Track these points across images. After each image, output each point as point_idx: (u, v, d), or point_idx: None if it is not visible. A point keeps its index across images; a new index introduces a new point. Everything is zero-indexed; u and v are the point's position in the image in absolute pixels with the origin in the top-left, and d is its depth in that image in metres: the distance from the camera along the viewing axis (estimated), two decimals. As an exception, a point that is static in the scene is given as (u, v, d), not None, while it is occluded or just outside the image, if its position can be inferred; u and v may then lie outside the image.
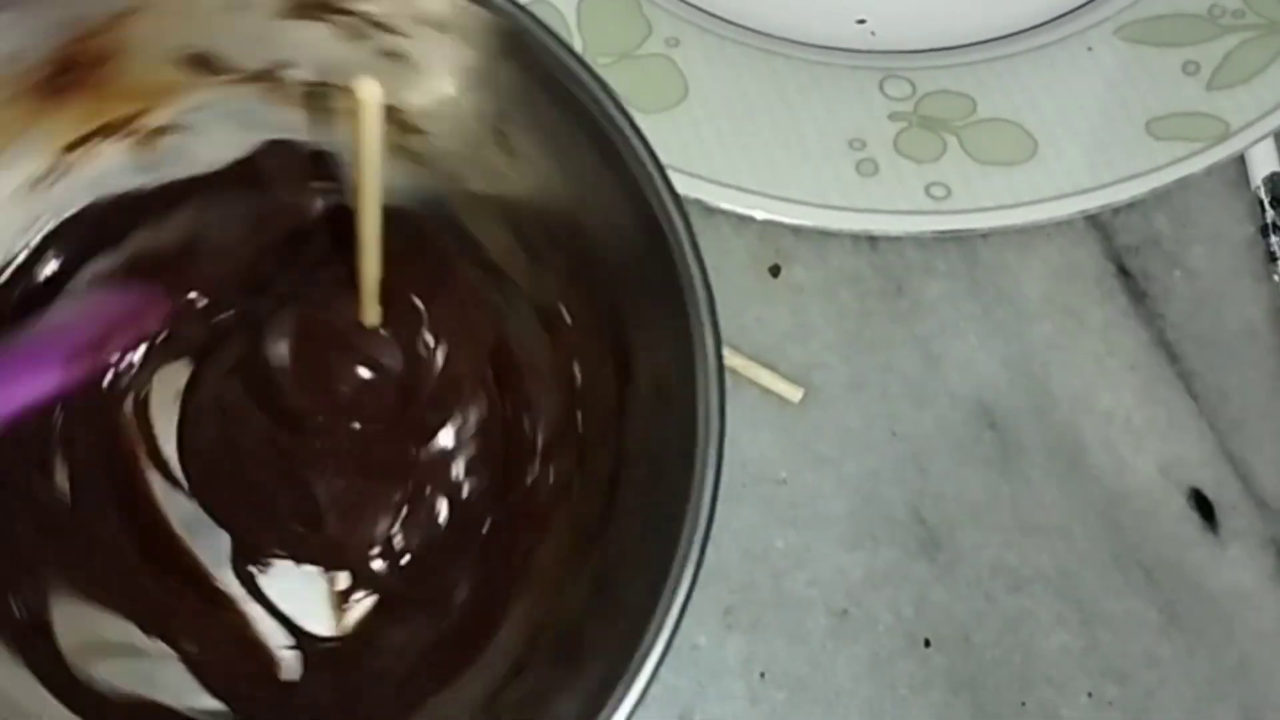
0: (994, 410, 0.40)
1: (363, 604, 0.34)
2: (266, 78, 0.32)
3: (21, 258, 0.34)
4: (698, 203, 0.38)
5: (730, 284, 0.41)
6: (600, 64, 0.39)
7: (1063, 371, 0.41)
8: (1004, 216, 0.38)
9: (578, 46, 0.39)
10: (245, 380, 0.34)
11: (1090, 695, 0.38)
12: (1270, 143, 0.41)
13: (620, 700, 0.27)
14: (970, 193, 0.38)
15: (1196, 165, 0.39)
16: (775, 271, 0.41)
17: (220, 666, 0.33)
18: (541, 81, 0.29)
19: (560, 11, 0.40)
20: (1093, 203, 0.39)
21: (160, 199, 0.34)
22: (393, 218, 0.29)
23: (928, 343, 0.41)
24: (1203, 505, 0.40)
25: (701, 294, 0.28)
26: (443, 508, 0.34)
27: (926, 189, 0.38)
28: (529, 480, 0.34)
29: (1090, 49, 0.41)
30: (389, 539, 0.34)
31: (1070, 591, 0.39)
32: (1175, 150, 0.39)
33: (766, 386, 0.40)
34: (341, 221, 0.33)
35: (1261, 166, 0.42)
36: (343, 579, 0.34)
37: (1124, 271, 0.42)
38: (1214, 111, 0.39)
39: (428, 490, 0.34)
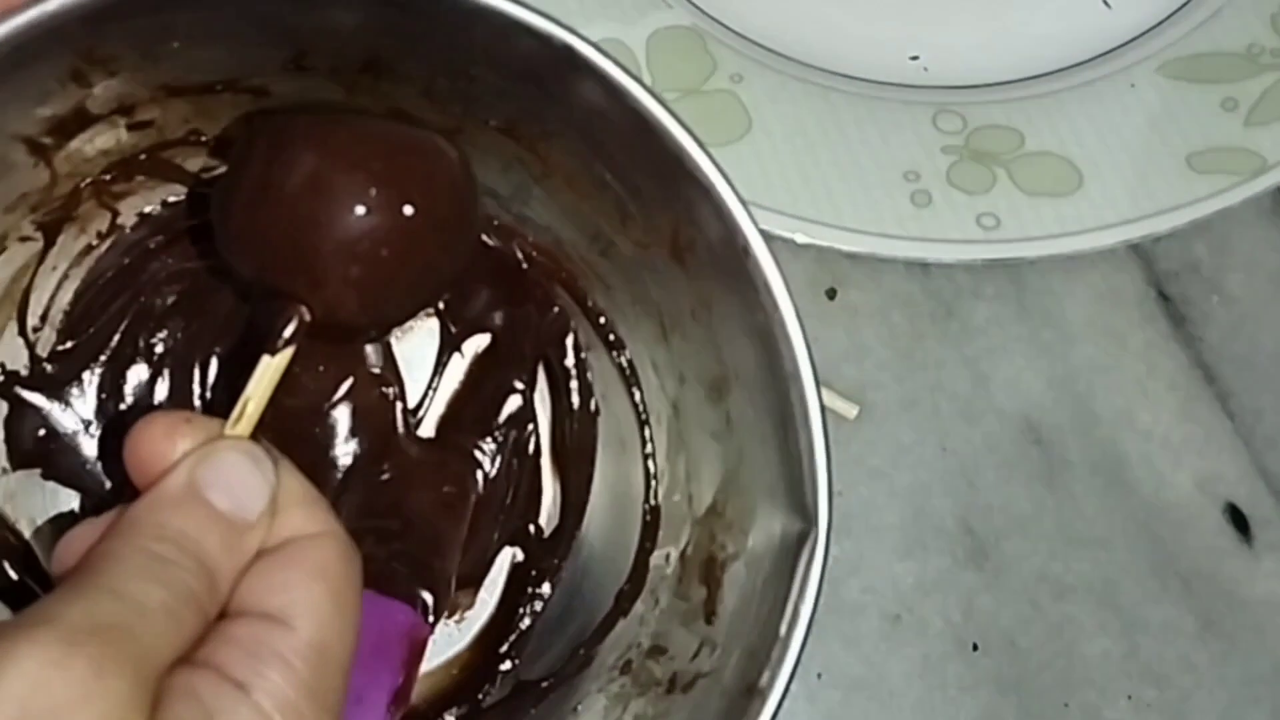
0: (1039, 427, 0.43)
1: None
2: None
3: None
4: (760, 231, 0.41)
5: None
6: (668, 99, 0.41)
7: (1105, 391, 0.43)
8: (1051, 245, 0.40)
9: (646, 82, 0.42)
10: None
11: (1130, 698, 0.41)
12: (1305, 174, 0.43)
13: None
14: (1019, 223, 0.41)
15: (1234, 198, 0.41)
16: (832, 295, 0.43)
17: None
18: None
19: (630, 49, 0.42)
20: (1135, 233, 0.41)
21: None
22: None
23: (976, 363, 0.43)
24: (1238, 519, 0.42)
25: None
26: None
27: (977, 219, 0.41)
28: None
29: (1133, 85, 0.43)
30: None
31: (1111, 599, 0.41)
32: (1214, 183, 0.41)
33: (824, 404, 0.42)
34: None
35: (1297, 196, 0.44)
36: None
37: (1164, 296, 0.44)
38: (1251, 146, 0.42)
39: None
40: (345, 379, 0.38)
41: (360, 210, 0.28)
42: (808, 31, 0.44)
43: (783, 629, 0.29)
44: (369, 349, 0.38)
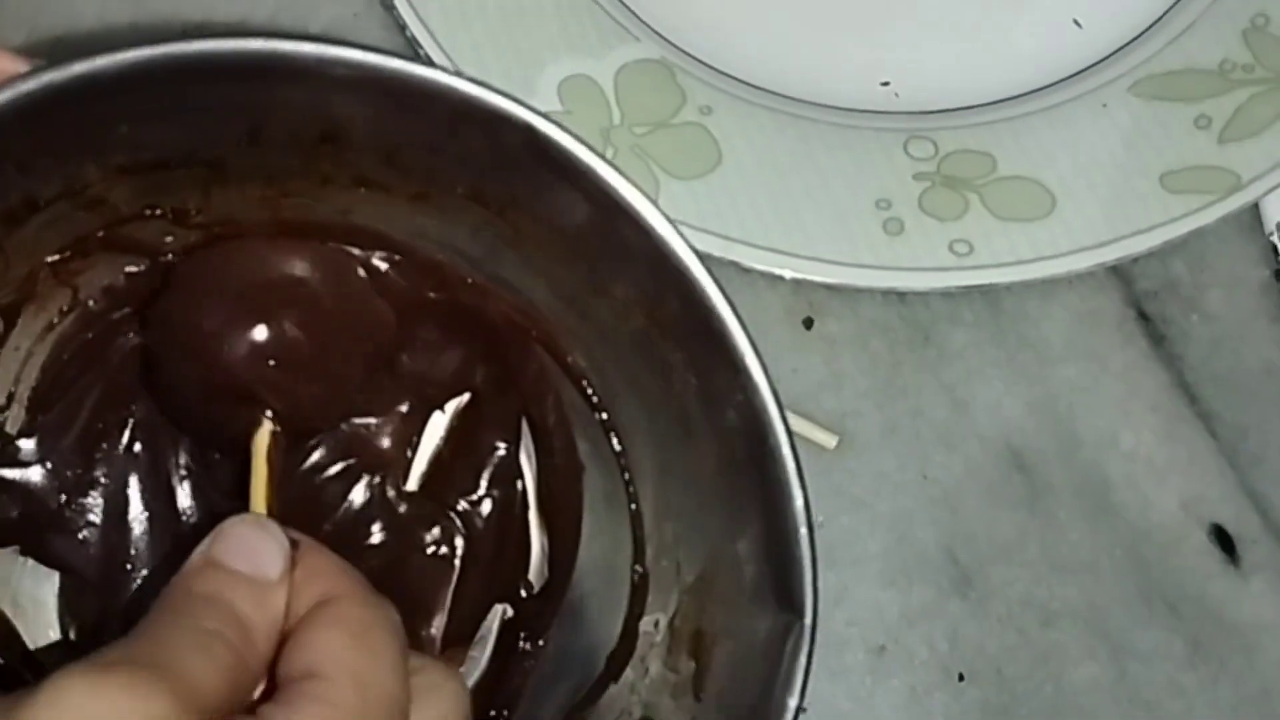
0: (1021, 452, 0.42)
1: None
2: None
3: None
4: (733, 264, 0.40)
5: (766, 337, 0.43)
6: (637, 133, 0.41)
7: (1086, 413, 0.43)
8: (1025, 271, 0.40)
9: (615, 118, 0.42)
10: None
11: (1119, 724, 0.40)
12: (1283, 189, 0.43)
13: None
14: (992, 249, 0.40)
15: (1209, 217, 0.41)
16: (809, 324, 0.43)
17: None
18: None
19: (598, 84, 0.42)
20: (1110, 255, 0.41)
21: None
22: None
23: (956, 389, 0.43)
24: (1224, 540, 0.42)
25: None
26: None
27: (950, 246, 0.40)
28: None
29: (1105, 105, 0.43)
30: None
31: (1098, 625, 0.41)
32: (1189, 203, 0.41)
33: (803, 435, 0.42)
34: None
35: (1275, 212, 0.43)
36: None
37: (1143, 316, 0.44)
38: (1226, 164, 0.41)
39: None
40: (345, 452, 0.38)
41: (265, 335, 0.33)
42: (777, 60, 0.44)
43: (770, 718, 0.29)
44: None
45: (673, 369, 0.32)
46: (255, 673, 0.25)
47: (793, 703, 0.29)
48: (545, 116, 0.29)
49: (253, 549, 0.27)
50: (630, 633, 0.36)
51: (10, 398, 0.36)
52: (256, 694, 0.26)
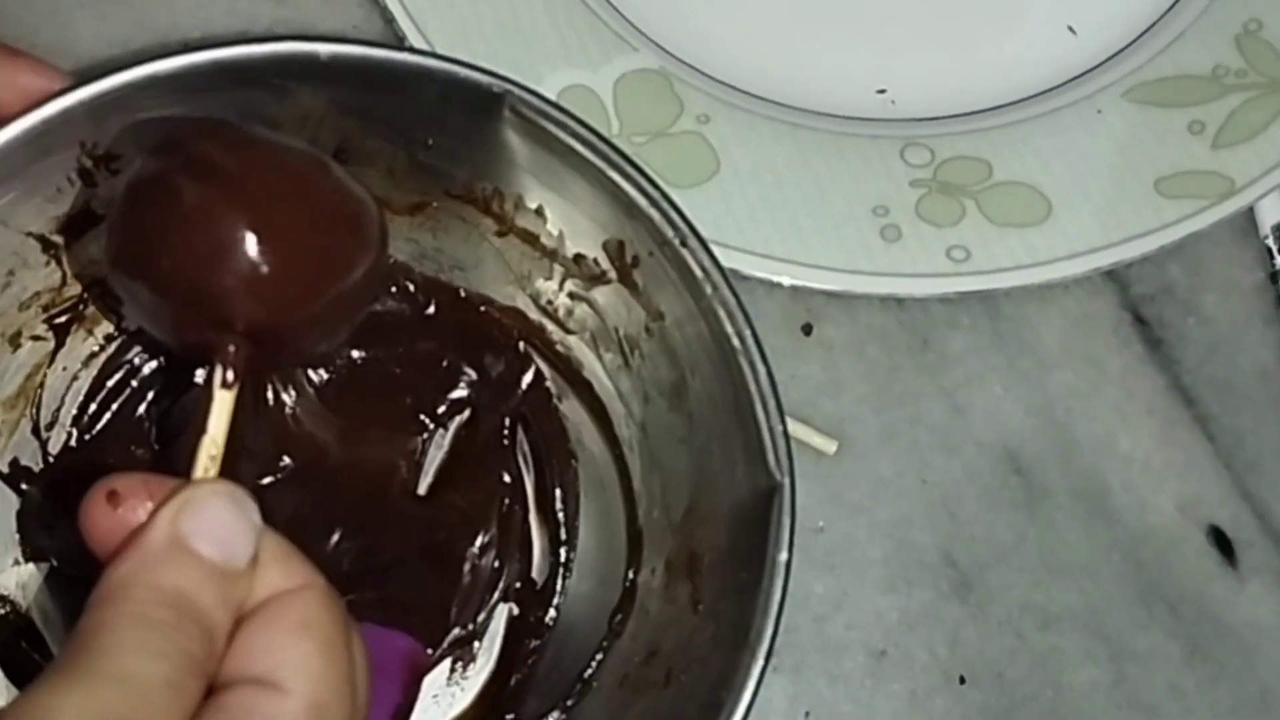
0: (1019, 456, 0.42)
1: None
2: None
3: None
4: (733, 271, 0.41)
5: (765, 344, 0.43)
6: (635, 143, 0.42)
7: (1084, 417, 0.43)
8: (1022, 276, 0.40)
9: (614, 128, 0.42)
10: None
11: (1119, 727, 0.41)
12: (1278, 193, 0.43)
13: None
14: (989, 254, 0.41)
15: (1203, 222, 0.41)
16: (807, 330, 0.43)
17: None
18: None
19: (597, 94, 0.42)
20: (1105, 260, 0.41)
21: None
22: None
23: (954, 394, 0.43)
24: (1222, 542, 0.42)
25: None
26: None
27: (947, 252, 0.41)
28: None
29: (1099, 111, 0.43)
30: None
31: (1097, 628, 0.41)
32: (1183, 208, 0.41)
33: (802, 440, 0.42)
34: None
35: (1270, 215, 0.44)
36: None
37: (1140, 320, 0.44)
38: (1219, 169, 0.41)
39: None
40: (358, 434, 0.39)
41: (252, 240, 0.27)
42: (774, 69, 0.44)
43: (764, 582, 0.30)
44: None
45: (646, 307, 0.34)
46: (211, 675, 0.24)
47: (783, 559, 0.30)
48: (515, 83, 0.31)
49: (224, 529, 0.24)
50: (630, 589, 0.37)
51: (55, 418, 0.37)
52: None
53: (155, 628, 0.23)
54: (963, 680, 0.41)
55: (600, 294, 0.36)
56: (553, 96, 0.41)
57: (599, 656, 0.37)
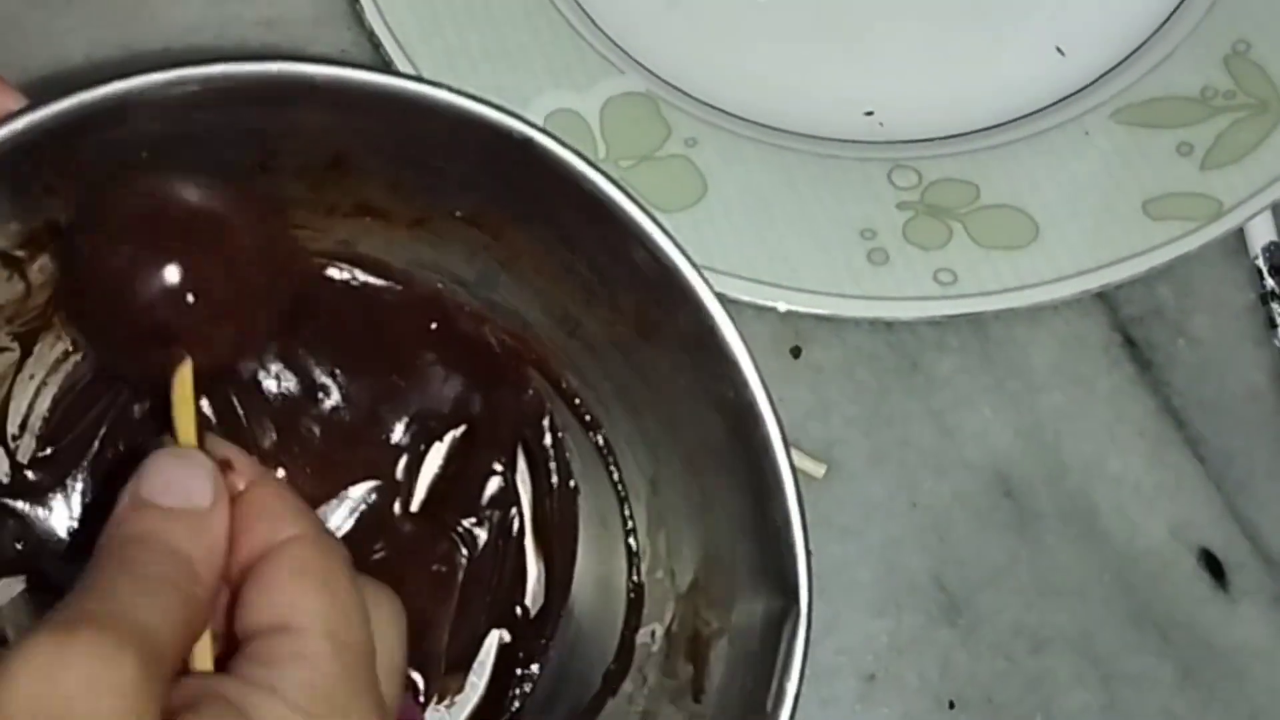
0: (1009, 478, 0.42)
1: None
2: None
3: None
4: (721, 296, 0.41)
5: (754, 366, 0.43)
6: (623, 167, 0.42)
7: (1074, 439, 0.43)
8: (1009, 299, 0.40)
9: (601, 152, 0.42)
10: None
11: (1110, 751, 0.40)
12: (1268, 213, 0.43)
13: None
14: (976, 277, 0.41)
15: (1192, 244, 0.41)
16: (796, 353, 0.43)
17: None
18: None
19: (584, 118, 0.42)
20: (1093, 283, 0.41)
21: None
22: None
23: (943, 416, 0.43)
24: (1213, 565, 0.42)
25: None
26: None
27: (934, 275, 0.41)
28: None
29: (1087, 133, 0.43)
30: None
31: (1088, 651, 0.41)
32: (1171, 230, 0.41)
33: (797, 477, 0.42)
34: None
35: (1260, 236, 0.44)
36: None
37: (1130, 341, 0.44)
38: (1207, 191, 0.41)
39: None
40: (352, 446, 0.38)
41: (177, 273, 0.31)
42: (762, 91, 0.44)
43: (769, 705, 0.29)
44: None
45: (661, 374, 0.33)
46: (204, 606, 0.25)
47: (792, 689, 0.29)
48: (542, 130, 0.30)
49: (178, 481, 0.26)
50: (627, 646, 0.36)
51: (23, 427, 0.36)
52: (208, 631, 0.26)
53: (125, 559, 0.25)
54: (952, 705, 0.41)
55: (612, 336, 0.34)
56: (540, 120, 0.42)
57: (593, 709, 0.36)
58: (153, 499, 0.26)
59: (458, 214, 0.34)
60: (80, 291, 0.32)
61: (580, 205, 0.30)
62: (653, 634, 0.36)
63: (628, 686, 0.36)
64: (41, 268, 0.33)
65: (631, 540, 0.37)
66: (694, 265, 0.30)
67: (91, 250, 0.31)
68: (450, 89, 0.30)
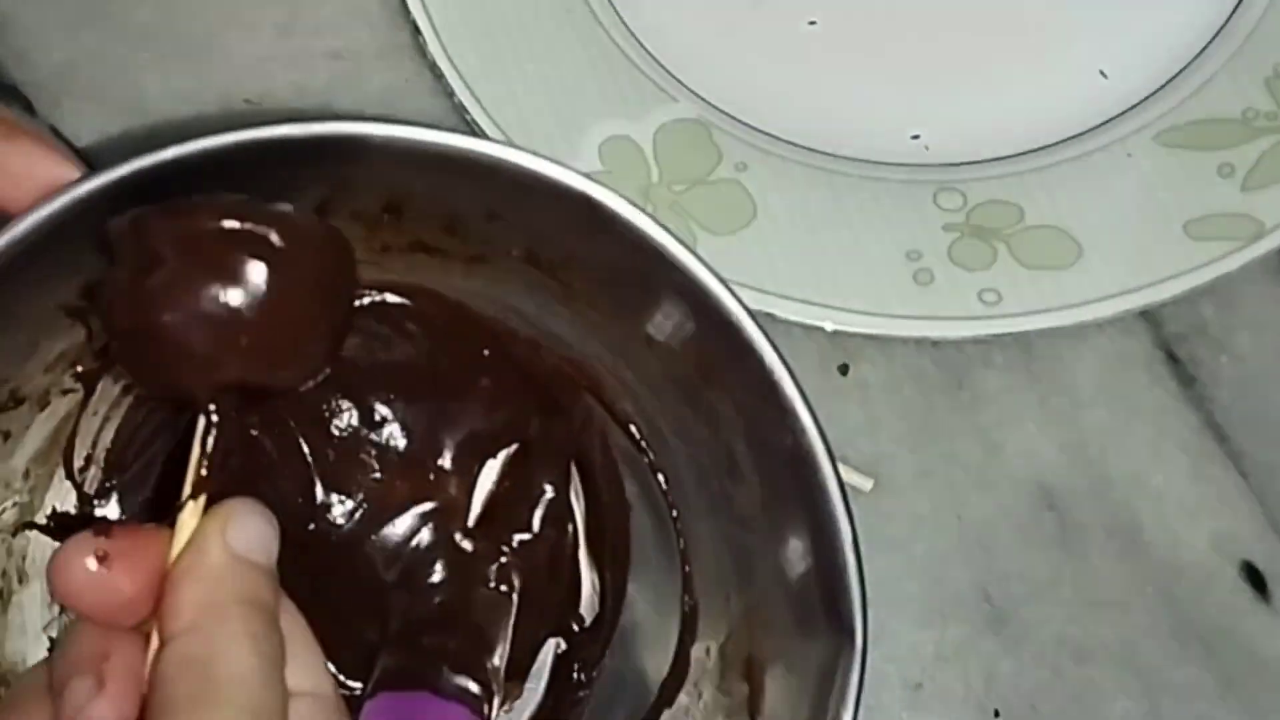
0: (1053, 493, 0.43)
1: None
2: None
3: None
4: (769, 315, 0.42)
5: (802, 383, 0.44)
6: (675, 191, 0.43)
7: (1117, 454, 0.44)
8: (1052, 319, 0.41)
9: (654, 176, 0.43)
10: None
11: (1153, 760, 0.41)
12: (1309, 231, 0.44)
13: None
14: (1020, 297, 0.42)
15: (1233, 264, 0.42)
16: (844, 370, 0.44)
17: None
18: None
19: (638, 144, 0.44)
20: (1135, 303, 0.42)
21: None
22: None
23: (989, 432, 0.44)
24: (1254, 577, 0.43)
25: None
26: None
27: (979, 295, 0.42)
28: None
29: (1130, 155, 0.44)
30: None
31: (1131, 662, 0.42)
32: (1212, 250, 0.42)
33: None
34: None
35: (1302, 254, 0.44)
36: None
37: (1173, 358, 0.44)
38: (1248, 211, 0.42)
39: None
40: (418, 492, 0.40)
41: (216, 302, 0.29)
42: (810, 116, 0.46)
43: None
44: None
45: (719, 415, 0.34)
46: None
47: (847, 718, 0.30)
48: (601, 184, 0.31)
49: (263, 536, 0.27)
50: (683, 660, 0.37)
51: (89, 460, 0.38)
52: None
53: (259, 641, 0.25)
54: (997, 714, 0.41)
55: (670, 373, 0.35)
56: (595, 148, 0.44)
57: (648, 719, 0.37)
58: (251, 556, 0.26)
59: (514, 254, 0.35)
60: (115, 325, 0.30)
61: (634, 252, 0.31)
62: (708, 650, 0.37)
63: (683, 699, 0.37)
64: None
65: (685, 560, 0.38)
66: (742, 305, 0.31)
67: (117, 279, 0.30)
68: (507, 144, 0.30)
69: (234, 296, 0.29)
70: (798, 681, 0.33)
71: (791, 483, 0.32)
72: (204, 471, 0.28)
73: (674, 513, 0.38)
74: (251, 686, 0.24)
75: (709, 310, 0.31)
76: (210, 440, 0.29)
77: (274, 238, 0.29)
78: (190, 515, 0.28)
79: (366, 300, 0.38)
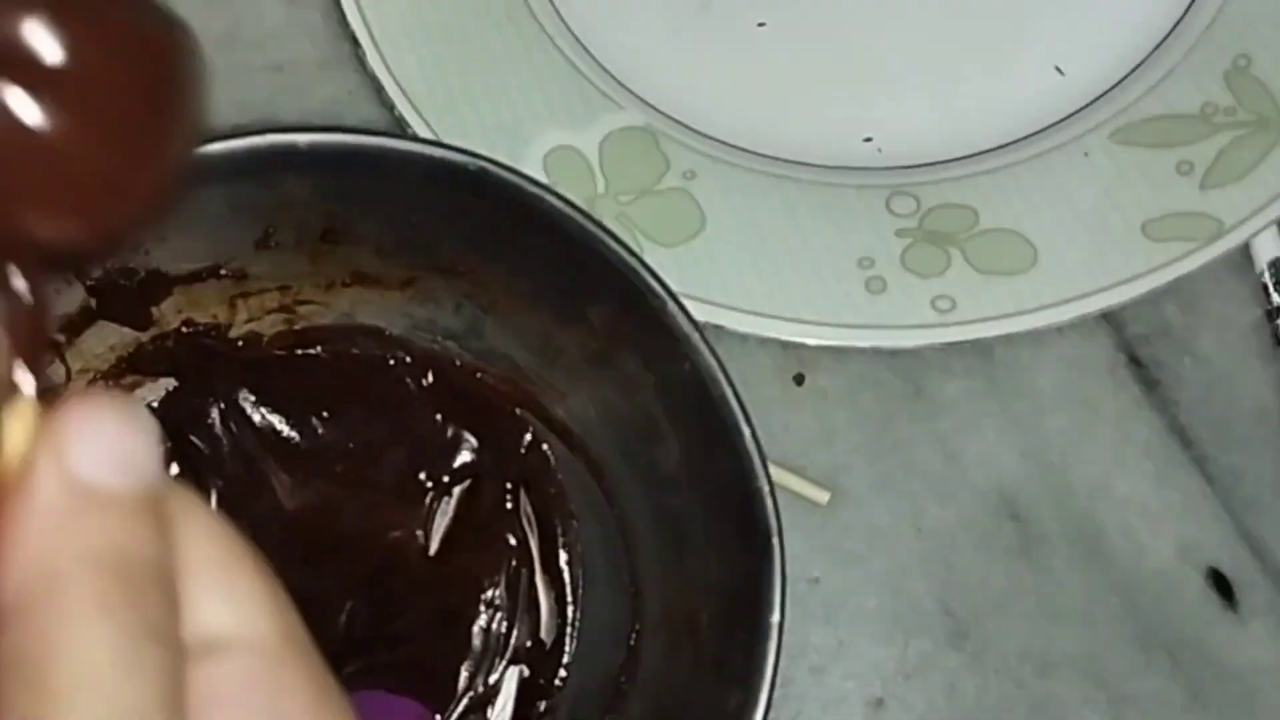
0: (1015, 502, 0.42)
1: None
2: None
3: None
4: (719, 328, 0.41)
5: (757, 394, 0.43)
6: (622, 202, 0.42)
7: (1080, 461, 0.43)
8: (1008, 325, 0.40)
9: (600, 187, 0.42)
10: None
11: (1120, 773, 0.40)
12: (1274, 228, 0.43)
13: None
14: (975, 303, 0.41)
15: (1192, 264, 0.41)
16: (800, 380, 0.43)
17: None
18: None
19: (583, 155, 0.43)
20: (1092, 307, 0.41)
21: None
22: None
23: (948, 440, 0.43)
24: (1221, 584, 0.42)
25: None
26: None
27: (933, 302, 0.41)
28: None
29: (1087, 154, 0.43)
30: None
31: (1096, 674, 0.41)
32: (1171, 251, 0.41)
33: (796, 490, 0.42)
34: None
35: (1266, 251, 0.43)
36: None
37: (1135, 361, 0.44)
38: (1208, 210, 0.41)
39: None
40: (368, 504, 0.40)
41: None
42: (760, 121, 0.45)
43: (758, 643, 0.32)
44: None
45: (632, 378, 0.35)
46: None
47: (775, 618, 0.32)
48: (492, 161, 0.33)
49: (126, 446, 0.17)
50: (634, 650, 0.38)
51: None
52: None
53: (117, 612, 0.17)
54: (961, 729, 0.41)
55: (591, 356, 0.36)
56: (539, 159, 0.43)
57: (614, 708, 0.37)
58: (103, 482, 0.17)
59: (439, 266, 0.36)
60: None
61: (538, 228, 0.33)
62: (655, 629, 0.37)
63: (637, 684, 0.37)
64: (80, 352, 0.36)
65: (631, 548, 0.38)
66: (645, 266, 0.33)
67: None
68: (409, 137, 0.32)
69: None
70: (728, 611, 0.34)
71: (696, 410, 0.33)
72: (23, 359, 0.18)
73: (617, 509, 0.38)
74: (105, 685, 0.16)
75: (611, 271, 0.33)
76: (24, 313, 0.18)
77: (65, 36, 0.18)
78: (17, 430, 0.18)
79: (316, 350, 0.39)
